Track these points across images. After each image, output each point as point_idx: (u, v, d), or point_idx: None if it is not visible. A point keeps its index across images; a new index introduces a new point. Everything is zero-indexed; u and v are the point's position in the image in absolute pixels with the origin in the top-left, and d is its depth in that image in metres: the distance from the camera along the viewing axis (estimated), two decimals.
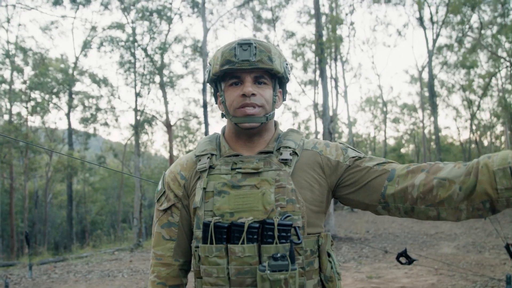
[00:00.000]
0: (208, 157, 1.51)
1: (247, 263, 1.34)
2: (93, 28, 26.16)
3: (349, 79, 50.43)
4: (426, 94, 28.81)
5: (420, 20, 25.74)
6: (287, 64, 1.54)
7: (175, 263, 1.54)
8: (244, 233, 1.34)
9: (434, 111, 25.62)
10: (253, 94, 1.45)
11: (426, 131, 33.72)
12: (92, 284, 9.28)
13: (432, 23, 25.77)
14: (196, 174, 1.53)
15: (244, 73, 1.46)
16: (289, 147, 1.48)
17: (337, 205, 28.38)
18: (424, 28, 25.87)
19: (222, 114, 1.57)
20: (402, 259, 3.53)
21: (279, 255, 1.30)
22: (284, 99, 1.62)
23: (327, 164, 1.49)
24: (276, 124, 1.62)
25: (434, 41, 25.86)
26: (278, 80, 1.53)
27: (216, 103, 1.61)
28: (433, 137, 30.00)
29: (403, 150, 43.99)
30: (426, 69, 26.81)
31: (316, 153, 1.51)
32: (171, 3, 24.40)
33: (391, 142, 44.18)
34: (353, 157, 1.49)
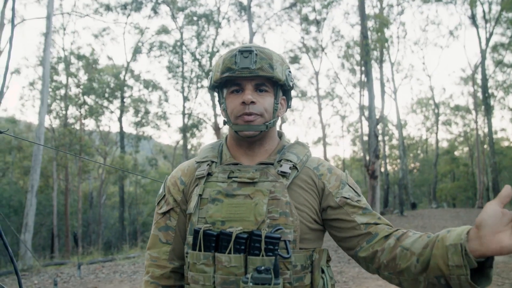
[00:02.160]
0: (208, 164, 1.51)
1: (233, 273, 1.33)
2: (142, 33, 26.80)
3: (399, 80, 49.46)
4: (480, 95, 27.82)
5: (473, 18, 24.93)
6: (289, 72, 1.51)
7: (170, 265, 1.53)
8: (232, 243, 1.33)
9: (488, 113, 24.75)
10: (253, 102, 1.43)
11: (480, 133, 32.56)
12: (136, 284, 9.49)
13: (485, 21, 24.91)
14: (195, 181, 1.52)
15: (244, 81, 1.44)
16: (290, 161, 1.45)
17: (387, 208, 27.87)
18: (477, 27, 25.04)
19: (224, 121, 1.55)
20: None
21: (263, 268, 1.27)
22: (289, 106, 1.60)
23: (322, 189, 1.46)
24: (281, 135, 1.60)
25: (488, 40, 24.97)
26: (281, 87, 1.51)
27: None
28: (488, 139, 28.97)
29: (456, 153, 42.64)
30: (479, 69, 25.89)
31: (316, 175, 1.48)
32: (219, 8, 24.67)
33: (444, 144, 42.93)
34: (344, 197, 1.44)
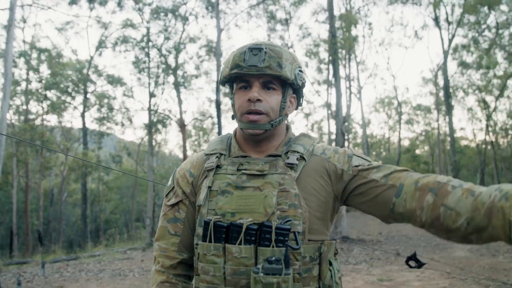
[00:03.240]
0: (217, 157, 1.53)
1: (243, 264, 1.35)
2: (106, 27, 26.33)
3: (364, 79, 50.23)
4: (442, 95, 28.51)
5: (436, 20, 25.52)
6: (300, 71, 1.51)
7: (179, 256, 1.55)
8: (242, 234, 1.35)
9: (449, 112, 25.37)
10: (259, 100, 1.44)
11: (441, 132, 33.39)
12: (103, 283, 9.35)
13: (448, 23, 25.54)
14: (204, 173, 1.54)
15: (252, 78, 1.46)
16: (297, 152, 1.48)
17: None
18: (440, 28, 25.65)
19: (232, 115, 1.57)
20: (412, 263, 3.47)
21: (273, 258, 1.29)
22: (300, 104, 1.62)
23: (333, 171, 1.47)
24: (288, 127, 1.62)
25: (450, 41, 25.62)
26: (291, 85, 1.52)
27: None
28: (448, 138, 29.70)
29: (417, 151, 43.60)
30: (442, 70, 26.52)
31: (324, 159, 1.49)
32: (185, 3, 24.47)
33: (405, 143, 43.82)
34: (356, 165, 1.45)
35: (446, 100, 25.16)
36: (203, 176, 1.54)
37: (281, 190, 1.40)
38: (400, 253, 11.49)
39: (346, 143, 21.82)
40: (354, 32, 19.10)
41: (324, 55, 25.46)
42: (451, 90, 25.23)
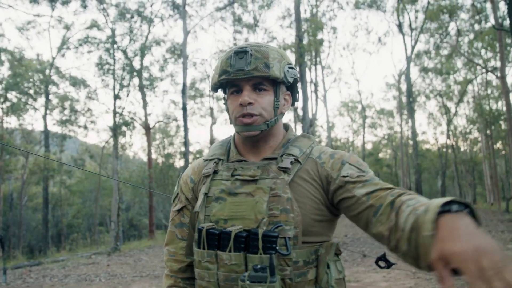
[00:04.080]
0: (215, 162, 1.53)
1: (234, 270, 1.35)
2: (68, 28, 25.85)
3: (328, 83, 50.79)
4: (404, 100, 29.12)
5: (399, 26, 26.06)
6: (290, 67, 1.49)
7: (187, 260, 1.56)
8: (231, 241, 1.34)
9: (411, 116, 25.92)
10: (250, 103, 1.43)
11: (403, 136, 34.09)
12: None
13: (411, 29, 26.13)
14: (202, 179, 1.54)
15: (242, 82, 1.44)
16: (292, 155, 1.45)
17: None
18: (403, 35, 26.21)
19: (229, 120, 1.56)
20: (381, 263, 3.51)
21: (259, 266, 1.29)
22: (296, 100, 1.60)
23: (325, 177, 1.43)
24: (288, 128, 1.60)
25: (413, 47, 26.21)
26: (284, 83, 1.49)
27: None
28: (411, 142, 30.32)
29: (381, 155, 44.36)
30: (405, 75, 27.10)
31: (319, 163, 1.45)
32: (152, 5, 24.27)
33: (369, 146, 44.53)
34: (343, 176, 1.39)
35: (408, 105, 25.72)
36: (202, 182, 1.54)
37: (273, 195, 1.38)
38: (367, 255, 11.63)
39: None
40: (319, 36, 19.31)
41: (290, 59, 25.66)
42: (413, 95, 25.78)
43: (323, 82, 29.85)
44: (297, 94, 1.58)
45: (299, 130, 27.92)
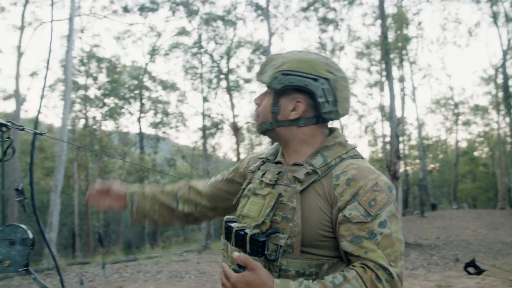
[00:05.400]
0: (263, 161, 1.61)
1: (233, 263, 1.40)
2: (159, 35, 27.01)
3: (417, 80, 48.98)
4: (501, 95, 27.44)
5: (494, 17, 24.62)
6: (285, 74, 1.46)
7: (204, 194, 1.83)
8: (233, 236, 1.45)
9: (509, 112, 24.41)
10: (257, 104, 1.58)
11: (501, 133, 32.08)
12: (160, 284, 9.57)
13: (507, 20, 24.58)
14: (249, 173, 1.65)
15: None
16: (311, 165, 1.43)
17: (407, 209, 27.67)
18: (498, 26, 24.73)
19: None
20: (470, 269, 3.36)
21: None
22: (321, 111, 1.47)
23: (333, 200, 1.38)
24: (333, 133, 1.55)
25: (510, 40, 24.65)
26: (296, 89, 1.47)
27: None
28: (509, 139, 28.54)
29: (476, 153, 42.01)
30: (501, 69, 25.55)
31: (332, 185, 1.40)
32: (235, 8, 24.69)
33: (463, 144, 42.35)
34: (344, 215, 1.34)
35: (505, 100, 24.22)
36: (248, 174, 1.65)
37: (279, 202, 1.42)
38: (459, 259, 11.12)
39: (401, 146, 21.44)
40: (406, 31, 18.68)
41: (376, 56, 25.09)
42: (511, 90, 24.22)
43: (412, 79, 28.85)
44: (319, 104, 1.46)
45: (387, 129, 27.25)
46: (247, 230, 1.40)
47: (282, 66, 1.47)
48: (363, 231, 1.32)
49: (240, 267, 1.32)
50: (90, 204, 1.95)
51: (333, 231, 1.39)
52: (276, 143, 1.66)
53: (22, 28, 21.54)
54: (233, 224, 1.48)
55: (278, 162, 1.56)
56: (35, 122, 1.87)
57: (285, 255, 1.37)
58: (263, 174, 1.53)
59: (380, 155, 37.05)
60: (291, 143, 1.53)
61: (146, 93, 29.01)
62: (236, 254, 1.32)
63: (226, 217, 1.56)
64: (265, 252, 1.35)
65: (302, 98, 1.47)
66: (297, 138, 1.52)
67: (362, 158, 1.51)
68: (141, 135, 29.63)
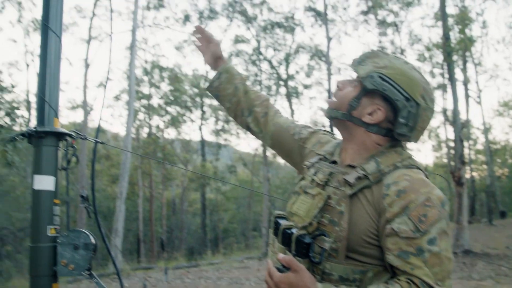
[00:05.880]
0: (320, 158, 1.58)
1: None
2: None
3: (483, 82, 47.10)
4: None
5: None
6: (382, 78, 1.40)
7: (273, 128, 1.86)
8: (280, 233, 1.43)
9: None
10: (338, 88, 1.52)
11: None
12: None
13: None
14: (304, 168, 1.64)
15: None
16: (363, 170, 1.39)
17: (474, 217, 26.59)
18: None
19: None
20: None
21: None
22: (401, 124, 1.42)
23: (381, 210, 1.34)
24: (395, 141, 1.48)
25: None
26: (383, 96, 1.41)
27: None
28: None
29: None
30: None
31: (382, 194, 1.35)
32: (293, 15, 24.70)
33: None
34: (392, 228, 1.30)
35: None
36: (306, 161, 1.64)
37: (328, 204, 1.40)
38: None
39: (466, 150, 20.70)
40: (469, 32, 18.01)
41: (438, 58, 24.35)
42: None
43: (476, 81, 27.75)
44: (400, 123, 1.41)
45: (451, 133, 26.34)
46: (293, 230, 1.39)
47: (384, 69, 1.42)
48: (411, 246, 1.28)
49: (284, 267, 1.31)
50: (194, 34, 2.03)
51: (378, 239, 1.35)
52: (336, 142, 1.64)
53: (89, 41, 22.47)
54: (281, 221, 1.46)
55: (334, 162, 1.53)
56: (96, 131, 1.94)
57: (329, 259, 1.35)
58: (316, 172, 1.51)
59: (444, 160, 35.85)
60: (354, 141, 1.49)
61: (207, 101, 29.51)
62: (281, 255, 1.31)
63: (276, 212, 1.55)
64: (310, 254, 1.33)
65: (384, 107, 1.43)
66: (361, 140, 1.48)
67: (418, 168, 1.43)
68: (202, 142, 30.15)
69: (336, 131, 1.64)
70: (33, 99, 23.30)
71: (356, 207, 1.37)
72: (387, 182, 1.36)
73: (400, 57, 1.48)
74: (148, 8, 25.53)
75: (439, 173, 40.44)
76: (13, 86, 10.81)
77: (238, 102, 1.92)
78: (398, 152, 1.45)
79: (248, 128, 1.95)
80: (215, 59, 1.98)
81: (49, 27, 1.73)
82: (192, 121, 30.09)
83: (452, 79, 15.12)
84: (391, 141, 1.48)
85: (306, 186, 1.50)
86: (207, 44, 1.99)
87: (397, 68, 1.42)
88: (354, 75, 1.51)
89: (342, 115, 1.48)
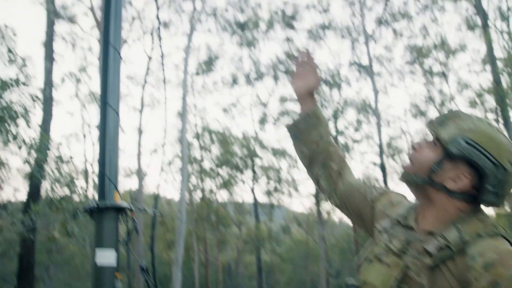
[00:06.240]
0: (394, 222, 1.47)
1: None
2: (265, 105, 27.90)
3: None
4: None
5: None
6: (467, 142, 1.31)
7: (343, 188, 1.74)
8: None
9: None
10: (414, 148, 1.42)
11: None
12: None
13: None
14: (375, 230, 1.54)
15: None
16: (445, 238, 1.29)
17: None
18: None
19: None
20: None
21: None
22: (483, 195, 1.33)
23: (465, 284, 1.23)
24: (477, 207, 1.39)
25: None
26: (469, 162, 1.32)
27: None
28: None
29: None
30: None
31: (467, 266, 1.24)
32: (338, 71, 24.93)
33: None
34: None
35: None
36: (376, 224, 1.55)
37: (406, 275, 1.30)
38: None
39: None
40: None
41: (490, 103, 23.78)
42: None
43: None
44: (487, 191, 1.32)
45: None
46: None
47: (469, 133, 1.32)
48: None
49: None
50: (299, 56, 1.87)
51: None
52: (409, 205, 1.52)
53: (141, 109, 23.30)
54: None
55: (409, 227, 1.42)
56: (155, 203, 1.92)
57: None
58: (390, 238, 1.41)
59: (507, 209, 34.25)
60: (433, 207, 1.38)
61: (257, 161, 29.67)
62: None
63: (348, 281, 1.49)
64: None
65: (470, 174, 1.33)
66: (442, 206, 1.37)
67: (502, 236, 1.31)
68: (255, 203, 30.07)
69: (410, 194, 1.51)
70: (90, 169, 24.13)
71: (437, 279, 1.27)
72: (471, 252, 1.25)
73: (483, 119, 1.38)
74: (197, 73, 26.44)
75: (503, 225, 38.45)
76: (71, 158, 11.22)
77: (317, 152, 1.77)
78: (480, 219, 1.34)
79: (317, 182, 1.80)
80: (307, 94, 1.80)
81: (108, 103, 1.77)
82: (243, 182, 30.21)
83: (507, 124, 14.71)
84: (472, 205, 1.36)
85: (380, 253, 1.39)
86: (307, 73, 1.81)
87: (483, 131, 1.33)
88: (429, 136, 1.42)
89: (421, 179, 1.38)
